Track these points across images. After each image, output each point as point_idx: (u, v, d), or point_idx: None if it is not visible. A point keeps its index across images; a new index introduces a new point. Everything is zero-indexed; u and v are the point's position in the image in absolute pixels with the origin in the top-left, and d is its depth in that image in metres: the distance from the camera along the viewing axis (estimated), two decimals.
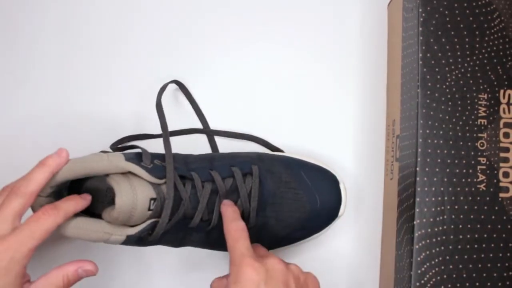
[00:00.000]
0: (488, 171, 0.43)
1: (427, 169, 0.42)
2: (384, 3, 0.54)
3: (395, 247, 0.45)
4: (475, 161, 0.43)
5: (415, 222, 0.42)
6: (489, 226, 0.42)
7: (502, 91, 0.44)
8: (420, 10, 0.44)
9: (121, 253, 0.50)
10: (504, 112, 0.44)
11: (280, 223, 0.44)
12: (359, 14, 0.54)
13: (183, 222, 0.41)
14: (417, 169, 0.42)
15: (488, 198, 0.43)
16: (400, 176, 0.46)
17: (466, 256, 0.42)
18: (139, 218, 0.38)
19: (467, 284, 0.42)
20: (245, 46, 0.53)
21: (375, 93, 0.53)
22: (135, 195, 0.38)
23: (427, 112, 0.43)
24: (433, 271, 0.41)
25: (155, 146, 0.51)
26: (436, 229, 0.42)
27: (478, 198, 0.42)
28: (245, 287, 0.35)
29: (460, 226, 0.42)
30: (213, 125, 0.52)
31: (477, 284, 0.42)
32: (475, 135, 0.43)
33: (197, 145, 0.52)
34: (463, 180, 0.43)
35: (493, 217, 0.42)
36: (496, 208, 0.42)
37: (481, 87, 0.44)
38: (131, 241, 0.39)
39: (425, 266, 0.41)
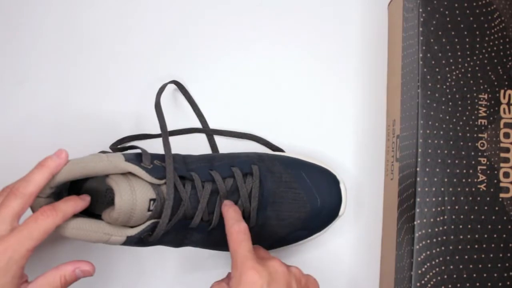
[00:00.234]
0: (488, 171, 0.43)
1: (427, 169, 0.42)
2: (384, 3, 0.54)
3: (396, 247, 0.45)
4: (475, 161, 0.43)
5: (415, 223, 0.42)
6: (489, 227, 0.42)
7: (502, 91, 0.44)
8: (421, 10, 0.44)
9: (120, 253, 0.50)
10: (504, 112, 0.44)
11: (281, 223, 0.44)
12: (359, 14, 0.54)
13: (183, 223, 0.41)
14: (418, 169, 0.42)
15: (488, 199, 0.42)
16: (400, 176, 0.46)
17: (466, 257, 0.42)
18: (138, 218, 0.38)
19: (468, 284, 0.42)
20: (244, 46, 0.53)
21: (375, 93, 0.53)
22: (134, 195, 0.38)
23: (428, 112, 0.43)
24: (434, 271, 0.41)
25: (155, 146, 0.51)
26: (436, 230, 0.42)
27: (479, 198, 0.42)
28: None
29: (461, 226, 0.42)
30: (212, 126, 0.52)
31: (478, 284, 0.42)
32: (475, 135, 0.43)
33: (197, 146, 0.52)
34: (464, 180, 0.43)
35: (493, 217, 0.42)
36: (497, 208, 0.42)
37: (482, 87, 0.44)
38: (131, 242, 0.39)
39: (425, 266, 0.41)
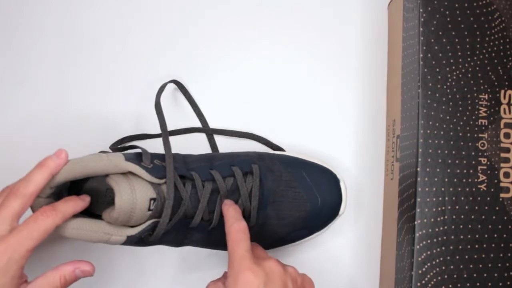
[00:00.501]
0: (488, 172, 0.43)
1: (428, 169, 0.42)
2: (384, 3, 0.54)
3: (396, 247, 0.45)
4: (475, 161, 0.43)
5: (416, 222, 0.42)
6: (489, 226, 0.42)
7: (502, 91, 0.44)
8: (421, 10, 0.44)
9: (120, 253, 0.50)
10: (504, 113, 0.44)
11: (281, 222, 0.44)
12: (359, 14, 0.54)
13: (183, 222, 0.41)
14: (418, 169, 0.42)
15: (488, 199, 0.42)
16: (400, 176, 0.46)
17: (467, 256, 0.42)
18: (139, 218, 0.38)
19: (468, 284, 0.42)
20: (244, 45, 0.53)
21: (376, 93, 0.53)
22: (134, 195, 0.38)
23: (428, 112, 0.43)
24: (434, 271, 0.41)
25: (155, 146, 0.51)
26: (437, 229, 0.42)
27: (479, 198, 0.42)
28: None
29: (461, 226, 0.42)
30: (212, 125, 0.52)
31: (478, 284, 0.42)
32: (475, 135, 0.43)
33: (197, 145, 0.52)
34: (464, 180, 0.43)
35: (493, 217, 0.42)
36: (497, 208, 0.42)
37: (482, 87, 0.44)
38: (131, 241, 0.39)
39: (426, 266, 0.41)
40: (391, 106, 0.51)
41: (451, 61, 0.44)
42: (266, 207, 0.43)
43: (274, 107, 0.52)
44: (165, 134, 0.41)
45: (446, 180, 0.42)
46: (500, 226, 0.42)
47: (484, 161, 0.43)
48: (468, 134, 0.43)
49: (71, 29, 0.53)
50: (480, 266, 0.42)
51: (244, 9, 0.54)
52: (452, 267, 0.42)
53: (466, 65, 0.44)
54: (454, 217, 0.42)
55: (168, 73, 0.53)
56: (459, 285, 0.42)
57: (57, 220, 0.37)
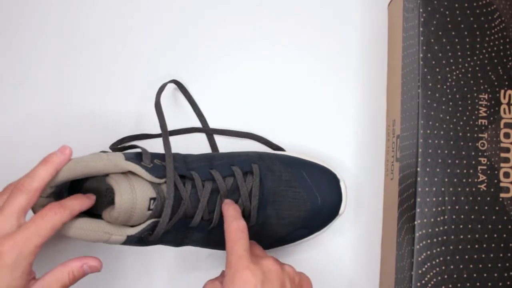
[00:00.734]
0: (488, 171, 0.43)
1: (427, 169, 0.42)
2: (384, 3, 0.54)
3: (396, 247, 0.45)
4: (475, 161, 0.43)
5: (416, 222, 0.42)
6: (489, 226, 0.42)
7: (502, 91, 0.44)
8: (421, 10, 0.44)
9: (121, 253, 0.50)
10: (504, 112, 0.44)
11: (281, 221, 0.44)
12: (359, 14, 0.54)
13: (183, 222, 0.41)
14: (418, 169, 0.42)
15: (488, 198, 0.42)
16: (400, 176, 0.46)
17: (467, 256, 0.42)
18: (139, 218, 0.38)
19: (468, 284, 0.42)
20: (244, 45, 0.53)
21: (376, 93, 0.53)
22: (134, 194, 0.38)
23: (428, 112, 0.43)
24: (434, 271, 0.41)
25: (155, 146, 0.51)
26: (437, 229, 0.42)
27: (479, 198, 0.42)
28: None
29: (461, 226, 0.42)
30: (212, 125, 0.52)
31: (478, 284, 0.42)
32: (475, 135, 0.43)
33: (197, 145, 0.52)
34: (464, 180, 0.43)
35: (493, 217, 0.42)
36: (497, 208, 0.42)
37: (482, 87, 0.44)
38: (131, 241, 0.39)
39: (426, 266, 0.41)
40: (391, 106, 0.51)
41: (451, 61, 0.44)
42: (266, 206, 0.43)
43: (274, 107, 0.52)
44: (165, 134, 0.41)
45: (446, 180, 0.42)
46: (500, 226, 0.42)
47: (484, 161, 0.43)
48: (468, 134, 0.43)
49: (71, 29, 0.53)
50: (480, 266, 0.42)
51: (244, 9, 0.54)
52: (452, 267, 0.42)
53: (466, 65, 0.44)
54: (454, 217, 0.42)
55: (168, 73, 0.53)
56: (459, 285, 0.42)
57: (65, 217, 0.37)
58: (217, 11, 0.54)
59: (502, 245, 0.42)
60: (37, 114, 0.52)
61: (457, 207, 0.42)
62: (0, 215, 0.36)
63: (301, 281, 0.39)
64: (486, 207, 0.42)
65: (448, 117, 0.43)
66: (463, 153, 0.43)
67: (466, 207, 0.42)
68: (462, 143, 0.43)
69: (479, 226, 0.42)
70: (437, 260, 0.42)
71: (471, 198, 0.42)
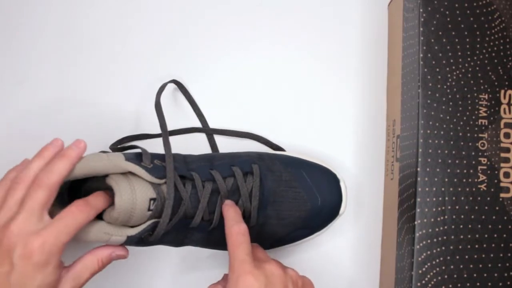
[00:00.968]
0: (488, 171, 0.43)
1: (428, 169, 0.42)
2: (384, 3, 0.54)
3: (396, 247, 0.45)
4: (475, 161, 0.43)
5: (416, 222, 0.42)
6: (489, 226, 0.42)
7: (502, 91, 0.44)
8: (421, 10, 0.44)
9: None
10: (504, 112, 0.44)
11: (281, 222, 0.44)
12: (359, 14, 0.54)
13: (183, 222, 0.41)
14: (418, 169, 0.42)
15: (488, 198, 0.42)
16: (400, 176, 0.46)
17: (467, 256, 0.42)
18: (139, 218, 0.38)
19: (468, 284, 0.42)
20: (244, 45, 0.53)
21: (376, 93, 0.53)
22: (134, 195, 0.38)
23: (428, 112, 0.43)
24: (434, 271, 0.41)
25: (155, 146, 0.51)
26: (437, 229, 0.42)
27: (479, 198, 0.42)
28: None
29: (461, 226, 0.42)
30: (212, 125, 0.52)
31: (478, 284, 0.42)
32: (475, 135, 0.43)
33: (197, 145, 0.52)
34: (464, 180, 0.43)
35: (493, 217, 0.42)
36: (497, 208, 0.42)
37: (482, 87, 0.44)
38: (131, 241, 0.39)
39: (426, 266, 0.41)
40: (391, 106, 0.51)
41: (451, 61, 0.44)
42: (266, 207, 0.43)
43: (274, 107, 0.52)
44: (165, 134, 0.41)
45: (446, 180, 0.42)
46: (500, 226, 0.42)
47: (484, 161, 0.43)
48: (468, 134, 0.43)
49: (71, 29, 0.53)
50: (480, 266, 0.42)
51: (244, 9, 0.54)
52: (452, 267, 0.42)
53: (466, 65, 0.44)
54: (454, 217, 0.42)
55: (168, 73, 0.53)
56: (459, 285, 0.42)
57: (90, 215, 0.37)
58: (217, 11, 0.54)
59: (502, 245, 0.42)
60: (37, 114, 0.52)
61: (457, 207, 0.42)
62: (23, 212, 0.36)
63: (304, 284, 0.39)
64: (486, 207, 0.42)
65: (448, 117, 0.43)
66: (463, 153, 0.43)
67: (466, 207, 0.42)
68: (462, 143, 0.43)
69: (479, 226, 0.42)
70: (437, 260, 0.42)
71: (471, 198, 0.42)
